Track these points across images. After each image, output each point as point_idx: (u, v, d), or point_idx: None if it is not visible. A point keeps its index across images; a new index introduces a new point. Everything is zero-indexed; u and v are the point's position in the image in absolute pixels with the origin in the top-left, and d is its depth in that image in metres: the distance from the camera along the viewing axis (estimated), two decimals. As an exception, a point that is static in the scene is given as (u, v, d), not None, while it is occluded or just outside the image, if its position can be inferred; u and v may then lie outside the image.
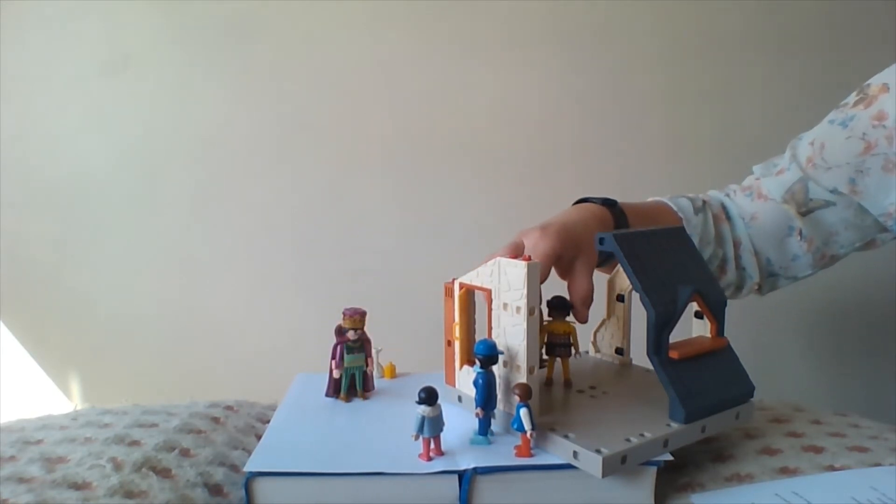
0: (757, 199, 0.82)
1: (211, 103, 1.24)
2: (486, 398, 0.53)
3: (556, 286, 0.65)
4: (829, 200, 0.77)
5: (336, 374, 0.63)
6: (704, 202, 0.82)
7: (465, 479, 0.49)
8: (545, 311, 0.63)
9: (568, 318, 0.64)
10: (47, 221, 1.26)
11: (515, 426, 0.51)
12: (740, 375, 0.58)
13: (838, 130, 0.76)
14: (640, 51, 1.24)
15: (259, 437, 0.57)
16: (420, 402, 0.51)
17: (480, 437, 0.53)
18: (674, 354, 0.53)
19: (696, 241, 0.77)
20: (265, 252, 1.28)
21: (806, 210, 0.77)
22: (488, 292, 0.56)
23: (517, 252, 0.63)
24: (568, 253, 0.64)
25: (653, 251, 0.56)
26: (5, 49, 1.21)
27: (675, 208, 0.79)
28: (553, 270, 0.65)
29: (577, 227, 0.65)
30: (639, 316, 0.58)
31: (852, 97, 0.78)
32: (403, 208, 1.27)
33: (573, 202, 0.75)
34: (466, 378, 0.58)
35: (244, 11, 1.22)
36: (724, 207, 0.84)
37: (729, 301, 0.58)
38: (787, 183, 0.79)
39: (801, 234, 0.79)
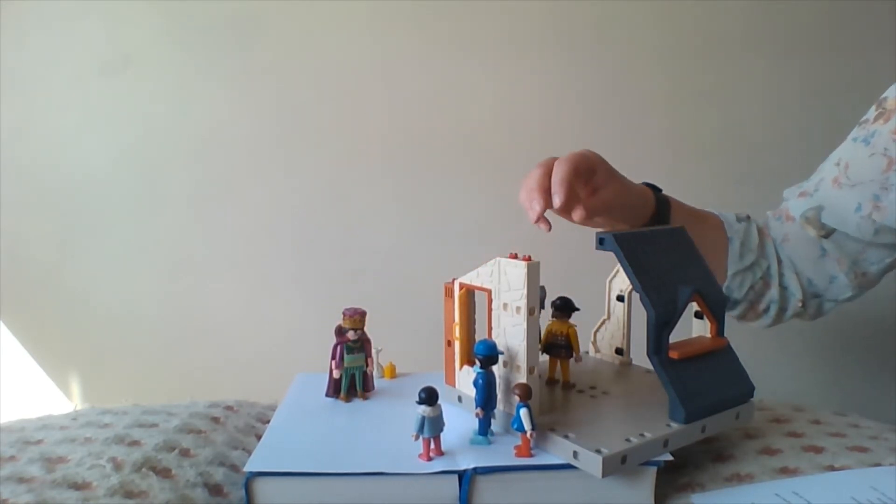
0: (786, 221, 0.82)
1: (211, 103, 1.24)
2: (486, 398, 0.53)
3: (559, 288, 0.64)
4: (837, 230, 0.76)
5: (336, 374, 0.63)
6: (748, 216, 0.82)
7: (465, 479, 0.49)
8: (550, 309, 0.64)
9: (571, 321, 0.64)
10: (47, 221, 1.26)
11: (515, 426, 0.51)
12: (740, 375, 0.58)
13: (861, 148, 0.76)
14: (640, 51, 1.24)
15: (259, 437, 0.57)
16: (420, 402, 0.51)
17: (480, 437, 0.53)
18: (674, 354, 0.53)
19: (736, 245, 0.78)
20: (265, 252, 1.28)
21: (825, 233, 0.77)
22: (488, 292, 0.56)
23: (548, 167, 0.63)
24: (600, 173, 0.66)
25: (653, 251, 0.56)
26: (5, 49, 1.21)
27: (716, 213, 0.80)
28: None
29: (619, 174, 0.68)
30: (639, 316, 0.58)
31: (872, 112, 0.78)
32: (403, 208, 1.27)
33: None
34: (466, 378, 0.58)
35: (244, 11, 1.22)
36: (766, 226, 0.84)
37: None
38: (804, 207, 0.79)
39: (830, 254, 0.79)
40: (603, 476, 0.47)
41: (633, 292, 0.64)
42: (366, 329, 0.65)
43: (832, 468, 0.52)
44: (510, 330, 0.54)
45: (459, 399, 0.60)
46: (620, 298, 0.68)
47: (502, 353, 0.54)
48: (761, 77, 1.25)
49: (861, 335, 1.30)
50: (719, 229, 0.79)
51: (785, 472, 0.52)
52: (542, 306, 0.56)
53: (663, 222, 0.72)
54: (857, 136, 0.78)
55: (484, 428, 0.54)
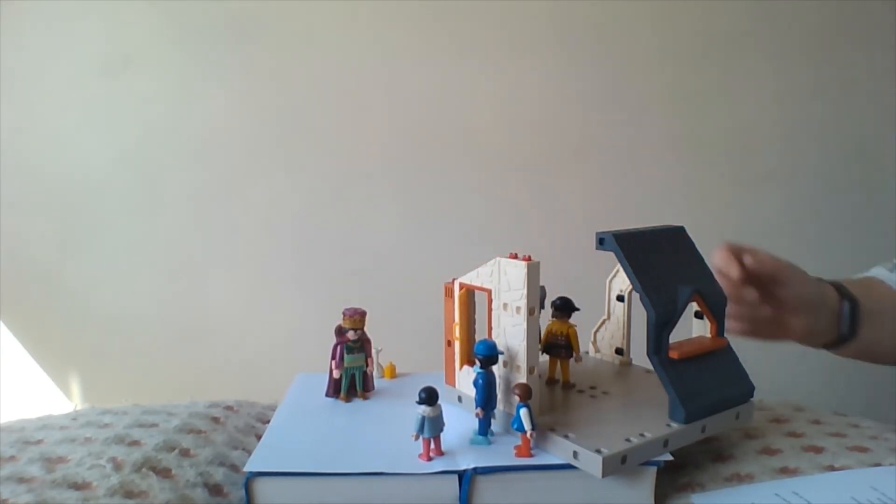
0: None
1: (211, 103, 1.24)
2: (486, 398, 0.53)
3: (559, 288, 0.64)
4: None
5: (336, 374, 0.63)
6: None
7: (465, 479, 0.49)
8: (549, 310, 0.64)
9: (571, 321, 0.64)
10: (47, 221, 1.26)
11: (515, 426, 0.51)
12: (740, 375, 0.58)
13: None
14: (640, 51, 1.24)
15: (259, 437, 0.57)
16: (420, 402, 0.51)
17: (480, 437, 0.53)
18: (674, 354, 0.53)
19: None
20: (265, 252, 1.28)
21: None
22: (488, 292, 0.56)
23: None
24: (782, 276, 0.65)
25: (653, 251, 0.56)
26: (5, 49, 1.21)
27: (870, 274, 0.77)
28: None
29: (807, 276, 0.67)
30: (639, 316, 0.58)
31: None
32: (403, 208, 1.27)
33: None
34: (466, 378, 0.58)
35: (244, 11, 1.22)
36: None
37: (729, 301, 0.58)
38: None
39: None
40: (603, 476, 0.47)
41: (633, 292, 0.64)
42: (366, 329, 0.65)
43: (832, 468, 0.52)
44: (510, 330, 0.54)
45: (459, 399, 0.60)
46: (620, 298, 0.68)
47: (502, 353, 0.54)
48: (761, 77, 1.25)
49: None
50: (885, 287, 0.76)
51: (785, 472, 0.52)
52: (542, 306, 0.56)
53: (850, 299, 0.71)
54: None
55: (484, 428, 0.54)
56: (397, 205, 1.27)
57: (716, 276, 0.61)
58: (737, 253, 0.64)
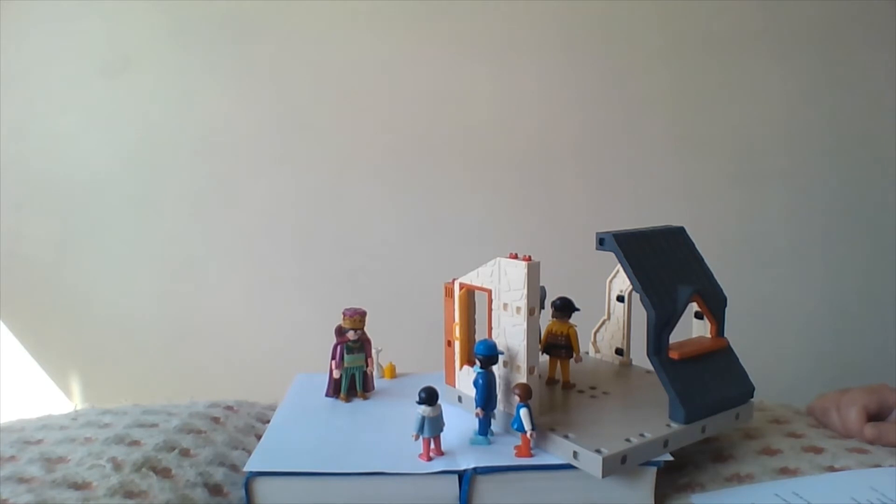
0: None
1: (211, 103, 1.24)
2: (486, 398, 0.53)
3: (559, 288, 0.65)
4: None
5: (336, 374, 0.63)
6: None
7: (465, 479, 0.49)
8: (549, 310, 0.64)
9: (571, 321, 0.64)
10: (47, 221, 1.26)
11: (515, 426, 0.51)
12: (740, 375, 0.58)
13: None
14: (641, 51, 1.24)
15: (259, 437, 0.57)
16: (420, 402, 0.51)
17: (480, 437, 0.53)
18: (674, 355, 0.53)
19: None
20: (265, 252, 1.28)
21: None
22: (488, 292, 0.56)
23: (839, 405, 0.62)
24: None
25: (653, 251, 0.56)
26: (5, 49, 1.21)
27: None
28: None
29: None
30: (639, 316, 0.58)
31: None
32: (403, 208, 1.27)
33: None
34: (466, 378, 0.58)
35: (244, 11, 1.22)
36: None
37: (729, 301, 0.58)
38: None
39: None
40: (603, 476, 0.47)
41: (633, 292, 0.64)
42: (366, 329, 0.65)
43: (832, 469, 0.52)
44: (510, 330, 0.54)
45: (459, 399, 0.60)
46: (620, 298, 0.68)
47: (502, 353, 0.54)
48: (761, 77, 1.25)
49: (861, 337, 1.30)
50: None
51: (785, 472, 0.52)
52: (542, 306, 0.56)
53: None
54: None
55: (484, 428, 0.54)
56: (397, 204, 1.27)
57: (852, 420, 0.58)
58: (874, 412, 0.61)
